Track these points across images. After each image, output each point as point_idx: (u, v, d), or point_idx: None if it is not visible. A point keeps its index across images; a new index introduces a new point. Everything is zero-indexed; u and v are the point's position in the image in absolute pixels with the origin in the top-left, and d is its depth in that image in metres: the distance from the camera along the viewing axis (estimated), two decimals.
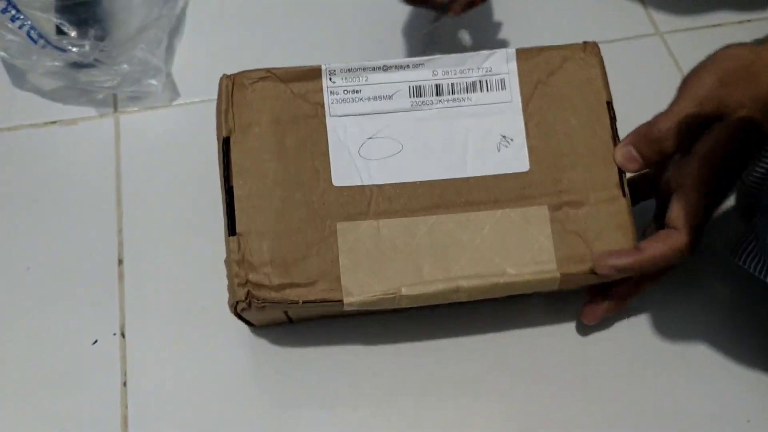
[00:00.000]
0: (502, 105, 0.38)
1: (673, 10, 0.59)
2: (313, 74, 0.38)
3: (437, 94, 0.38)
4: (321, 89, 0.38)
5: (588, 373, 0.43)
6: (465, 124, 0.38)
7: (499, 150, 0.38)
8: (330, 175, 0.37)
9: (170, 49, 0.54)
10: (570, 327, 0.45)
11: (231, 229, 0.36)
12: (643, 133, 0.38)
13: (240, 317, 0.38)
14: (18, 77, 0.53)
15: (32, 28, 0.49)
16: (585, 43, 0.40)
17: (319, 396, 0.42)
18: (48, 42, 0.49)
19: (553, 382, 0.43)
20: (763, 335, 0.45)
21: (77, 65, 0.50)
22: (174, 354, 0.43)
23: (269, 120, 0.37)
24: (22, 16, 0.49)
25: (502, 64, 0.39)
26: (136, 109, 0.52)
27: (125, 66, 0.49)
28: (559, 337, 0.44)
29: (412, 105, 0.38)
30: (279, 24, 0.56)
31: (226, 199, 0.36)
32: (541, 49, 0.39)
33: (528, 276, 0.36)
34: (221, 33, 0.56)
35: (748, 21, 0.59)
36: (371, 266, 0.36)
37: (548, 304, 0.45)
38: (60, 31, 0.50)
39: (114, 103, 0.52)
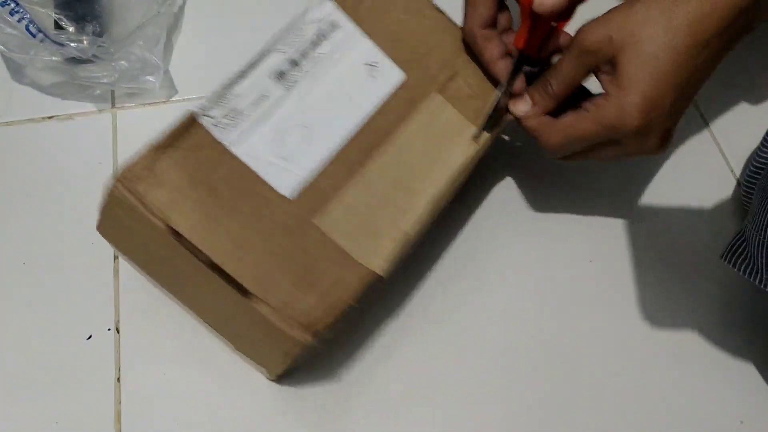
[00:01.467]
0: (345, 41, 0.41)
1: None
2: (188, 122, 0.37)
3: (296, 66, 0.40)
4: (207, 132, 0.37)
5: (580, 374, 0.43)
6: (334, 77, 0.40)
7: (374, 77, 0.41)
8: (274, 190, 0.37)
9: (168, 47, 0.54)
10: (568, 328, 0.45)
11: (241, 290, 0.34)
12: None
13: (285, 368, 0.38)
14: (16, 71, 0.53)
15: (31, 22, 0.49)
16: None
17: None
18: (47, 36, 0.49)
19: (546, 382, 0.43)
20: (755, 336, 0.45)
21: (75, 60, 0.50)
22: (168, 350, 0.43)
23: (188, 186, 0.35)
24: (21, 10, 0.49)
25: (321, 10, 0.42)
26: (133, 105, 0.52)
27: (123, 62, 0.49)
28: (552, 335, 0.44)
29: (285, 88, 0.39)
30: (276, 22, 0.56)
31: (217, 274, 0.34)
32: None
33: (471, 151, 0.40)
34: (219, 31, 0.56)
35: None
36: (366, 233, 0.37)
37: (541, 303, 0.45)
38: (58, 26, 0.50)
39: (111, 99, 0.52)
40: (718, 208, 0.50)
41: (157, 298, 0.44)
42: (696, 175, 0.51)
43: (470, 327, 0.45)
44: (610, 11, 0.37)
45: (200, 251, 0.34)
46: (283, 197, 0.37)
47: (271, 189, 0.37)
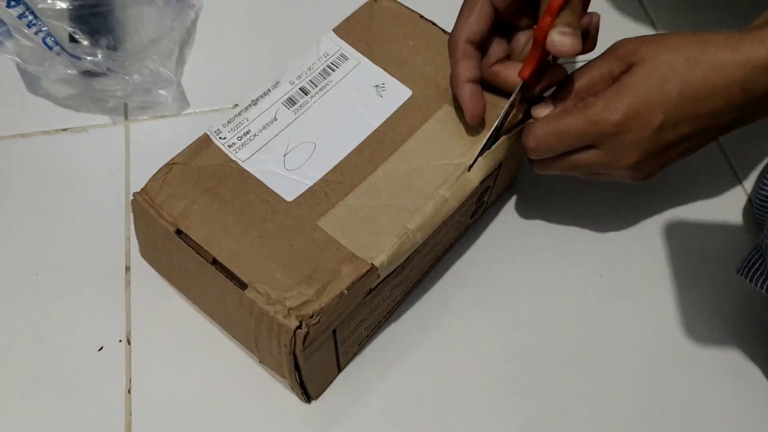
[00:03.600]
0: (355, 69, 0.44)
1: (681, 29, 0.59)
2: (204, 143, 0.40)
3: (306, 94, 0.42)
4: (220, 150, 0.40)
5: (590, 388, 0.43)
6: (343, 98, 0.43)
7: (381, 96, 0.43)
8: (280, 197, 0.39)
9: (181, 60, 0.55)
10: (576, 343, 0.45)
11: (241, 285, 0.36)
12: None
13: (299, 374, 0.38)
14: (32, 83, 0.54)
15: (48, 35, 0.50)
16: None
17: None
18: (63, 49, 0.50)
19: (555, 398, 0.43)
20: None
21: (90, 74, 0.50)
22: (179, 362, 0.43)
23: (199, 193, 0.38)
24: (39, 23, 0.50)
25: (331, 44, 0.45)
26: (145, 117, 0.53)
27: (137, 76, 0.49)
28: (560, 350, 0.44)
29: (295, 113, 0.42)
30: (287, 35, 0.57)
31: (218, 270, 0.36)
32: (348, 18, 0.46)
33: (477, 149, 0.40)
34: (230, 44, 0.57)
35: None
36: (368, 231, 0.38)
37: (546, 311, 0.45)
38: (73, 40, 0.51)
39: (124, 112, 0.53)
40: (729, 223, 0.50)
41: (168, 309, 0.44)
42: (706, 190, 0.51)
43: (476, 342, 0.44)
44: (659, 34, 0.38)
45: (203, 249, 0.36)
46: (288, 203, 0.39)
47: (277, 196, 0.39)
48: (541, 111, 0.40)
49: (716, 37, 0.36)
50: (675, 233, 0.49)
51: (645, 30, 0.59)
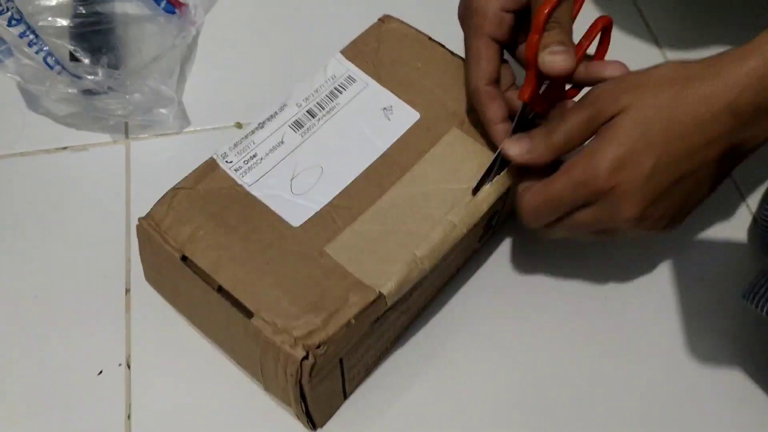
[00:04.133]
0: (363, 92, 0.43)
1: (686, 47, 0.59)
2: (210, 167, 0.40)
3: (313, 117, 0.42)
4: (226, 174, 0.40)
5: (597, 413, 0.43)
6: (351, 121, 0.42)
7: (389, 119, 0.42)
8: (287, 222, 0.38)
9: (182, 77, 0.54)
10: (578, 359, 0.44)
11: (247, 313, 0.35)
12: None
13: (304, 403, 0.37)
14: (32, 101, 0.54)
15: (49, 54, 0.49)
16: (380, 18, 0.47)
17: None
18: (64, 68, 0.49)
19: (563, 418, 0.42)
20: None
21: (90, 92, 0.50)
22: (180, 387, 0.42)
23: (205, 218, 0.38)
24: (39, 42, 0.49)
25: (339, 67, 0.44)
26: (146, 136, 0.52)
27: (137, 95, 0.49)
28: (569, 370, 0.44)
29: (302, 136, 0.41)
30: (290, 52, 0.57)
31: (223, 298, 0.36)
32: (356, 40, 0.46)
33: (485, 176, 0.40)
34: (232, 61, 0.56)
35: None
36: (375, 258, 0.37)
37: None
38: (74, 58, 0.51)
39: (125, 130, 0.52)
40: (734, 243, 0.49)
41: (169, 332, 0.44)
42: (710, 209, 0.50)
43: (483, 368, 0.44)
44: (630, 72, 0.37)
45: (208, 276, 0.36)
46: (294, 228, 0.38)
47: (283, 222, 0.38)
48: (513, 149, 0.38)
49: (697, 67, 0.35)
50: (679, 252, 0.48)
51: (649, 48, 0.59)
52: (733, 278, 0.47)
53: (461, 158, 0.41)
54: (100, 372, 0.43)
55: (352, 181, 0.40)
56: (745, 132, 0.35)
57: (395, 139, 0.41)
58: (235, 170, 0.40)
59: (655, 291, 0.47)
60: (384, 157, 0.41)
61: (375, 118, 0.42)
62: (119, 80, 0.49)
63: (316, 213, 0.38)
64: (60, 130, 0.52)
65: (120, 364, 0.43)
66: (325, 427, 0.41)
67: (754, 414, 0.43)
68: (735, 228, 0.50)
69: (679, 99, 0.34)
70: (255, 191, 0.39)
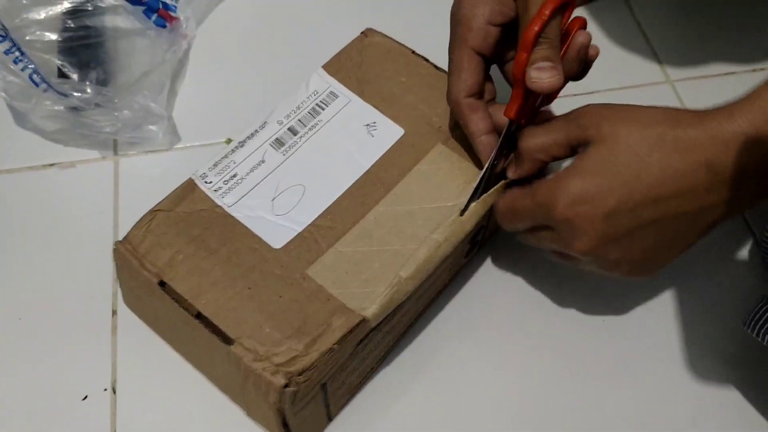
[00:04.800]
0: (345, 108, 0.42)
1: (684, 60, 0.58)
2: (189, 188, 0.39)
3: (295, 135, 0.41)
4: (206, 195, 0.39)
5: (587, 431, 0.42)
6: (334, 138, 0.41)
7: (373, 136, 0.41)
8: (268, 245, 0.37)
9: (172, 93, 0.53)
10: (572, 381, 0.43)
11: (227, 340, 0.34)
12: None
13: (286, 428, 0.36)
14: (19, 117, 0.53)
15: (35, 72, 0.48)
16: (362, 32, 0.46)
17: None
18: (50, 86, 0.48)
19: None
20: None
21: (78, 109, 0.49)
22: (167, 413, 0.41)
23: (184, 242, 0.37)
24: (25, 59, 0.49)
25: (321, 82, 0.43)
26: (135, 152, 0.51)
27: (126, 112, 0.48)
28: (561, 393, 0.43)
29: (283, 155, 0.41)
30: (280, 68, 0.56)
31: (203, 325, 0.35)
32: (338, 54, 0.45)
33: (471, 190, 0.39)
34: (223, 77, 0.55)
35: (762, 69, 0.58)
36: (359, 280, 0.36)
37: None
38: (62, 74, 0.50)
39: (114, 147, 0.51)
40: (736, 266, 0.48)
41: (156, 357, 0.43)
42: (713, 232, 0.49)
43: (470, 386, 0.43)
44: (623, 106, 0.36)
45: (187, 302, 0.35)
46: (276, 251, 0.37)
47: (265, 244, 0.38)
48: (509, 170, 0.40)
49: (686, 115, 0.34)
50: (680, 275, 0.47)
51: (647, 60, 0.58)
52: (734, 301, 0.46)
53: (446, 175, 0.40)
54: (85, 397, 0.42)
55: (335, 200, 0.39)
56: (727, 192, 0.33)
57: (379, 156, 0.41)
58: (215, 191, 0.39)
59: (655, 313, 0.46)
60: (368, 174, 0.40)
61: (358, 135, 0.41)
62: (108, 97, 0.48)
63: (298, 234, 0.38)
64: (47, 146, 0.51)
65: (105, 389, 0.42)
66: None
67: None
68: (737, 250, 0.49)
69: (657, 144, 0.33)
70: (235, 212, 0.38)
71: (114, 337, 0.44)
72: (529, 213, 0.37)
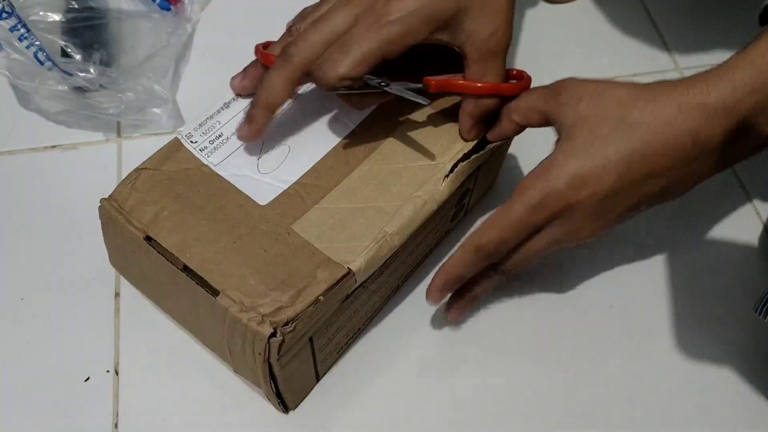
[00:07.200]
0: None
1: (693, 47, 0.58)
2: (175, 147, 0.39)
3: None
4: (191, 154, 0.39)
5: (593, 415, 0.41)
6: (318, 99, 0.41)
7: None
8: (254, 201, 0.38)
9: (176, 76, 0.53)
10: (586, 377, 0.43)
11: (213, 292, 0.34)
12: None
13: (274, 383, 0.36)
14: (23, 97, 0.52)
15: (41, 49, 0.48)
16: None
17: None
18: (55, 64, 0.48)
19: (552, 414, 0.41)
20: None
21: (82, 90, 0.49)
22: (169, 394, 0.41)
23: (169, 199, 0.37)
24: (31, 37, 0.48)
25: None
26: (138, 135, 0.51)
27: (130, 94, 0.48)
28: (570, 384, 0.42)
29: None
30: None
31: (189, 277, 0.35)
32: None
33: (455, 149, 0.39)
34: (227, 59, 0.54)
35: None
36: (344, 235, 0.37)
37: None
38: (65, 54, 0.49)
39: (117, 129, 0.51)
40: (745, 254, 0.48)
41: (158, 339, 0.42)
42: (721, 220, 0.49)
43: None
44: (607, 81, 0.35)
45: (174, 256, 0.35)
46: (261, 207, 0.37)
47: (250, 201, 0.38)
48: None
49: (662, 88, 0.34)
50: (689, 262, 0.47)
51: (656, 49, 0.57)
52: (744, 288, 0.46)
53: (430, 134, 0.40)
54: (87, 378, 0.41)
55: (321, 160, 0.39)
56: (711, 158, 0.34)
57: (364, 117, 0.41)
58: (201, 150, 0.39)
59: (664, 300, 0.46)
60: (353, 134, 0.40)
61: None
62: (112, 78, 0.48)
63: (283, 192, 0.38)
64: (50, 128, 0.51)
65: (108, 371, 0.42)
66: (298, 409, 0.40)
67: (764, 428, 0.42)
68: (746, 238, 0.48)
69: (639, 119, 0.33)
70: (221, 171, 0.38)
71: (117, 318, 0.43)
72: (524, 220, 0.35)
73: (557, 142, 0.36)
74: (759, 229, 0.49)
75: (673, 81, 0.34)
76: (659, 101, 0.33)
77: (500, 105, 0.39)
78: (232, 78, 0.41)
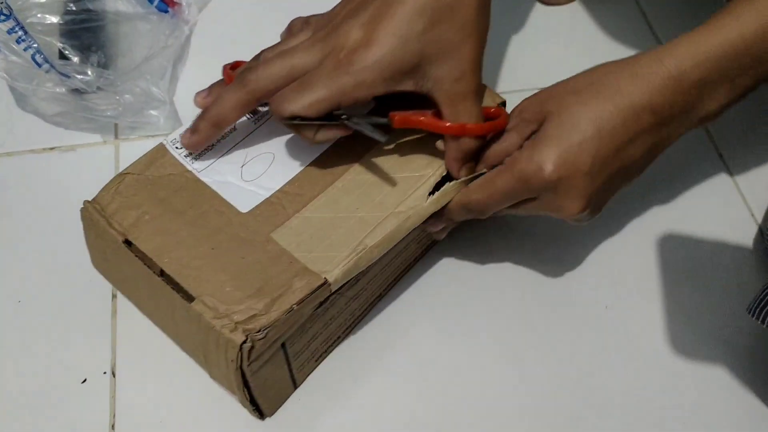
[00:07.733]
0: None
1: None
2: (160, 153, 0.40)
3: (266, 104, 0.39)
4: (176, 160, 0.39)
5: (584, 418, 0.42)
6: None
7: None
8: (235, 208, 0.38)
9: (173, 78, 0.53)
10: (580, 377, 0.43)
11: (188, 298, 0.35)
12: None
13: (248, 389, 0.37)
14: (20, 99, 0.52)
15: (38, 51, 0.48)
16: None
17: None
18: (52, 67, 0.48)
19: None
20: None
21: (80, 92, 0.49)
22: (166, 396, 0.41)
23: (152, 204, 0.38)
24: (29, 39, 0.48)
25: None
26: (136, 137, 0.51)
27: (128, 96, 0.48)
28: (565, 382, 0.43)
29: (255, 123, 0.41)
30: None
31: (165, 282, 0.35)
32: None
33: (440, 161, 0.39)
34: (224, 62, 0.54)
35: None
36: (324, 245, 0.37)
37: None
38: (63, 56, 0.50)
39: (115, 131, 0.51)
40: (739, 255, 0.48)
41: (155, 341, 0.42)
42: (716, 221, 0.49)
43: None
44: (556, 83, 0.39)
45: (151, 260, 0.35)
46: (242, 214, 0.38)
47: (232, 208, 0.38)
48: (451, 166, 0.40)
49: (614, 68, 0.37)
50: (684, 264, 0.47)
51: None
52: (738, 290, 0.46)
53: (415, 146, 0.40)
54: (84, 380, 0.41)
55: (304, 168, 0.39)
56: (662, 131, 0.37)
57: None
58: (185, 156, 0.39)
59: (658, 301, 0.46)
60: (338, 144, 0.40)
61: None
62: (109, 80, 0.48)
63: (265, 199, 0.38)
64: (48, 129, 0.51)
65: (105, 372, 0.42)
66: (274, 416, 0.40)
67: (759, 429, 0.42)
68: (740, 239, 0.48)
69: (601, 99, 0.36)
70: (204, 177, 0.39)
71: (114, 320, 0.43)
72: (512, 191, 0.37)
73: (542, 124, 0.38)
74: (754, 230, 0.49)
75: (625, 59, 0.38)
76: (613, 81, 0.37)
77: (481, 144, 0.39)
78: (197, 94, 0.41)
